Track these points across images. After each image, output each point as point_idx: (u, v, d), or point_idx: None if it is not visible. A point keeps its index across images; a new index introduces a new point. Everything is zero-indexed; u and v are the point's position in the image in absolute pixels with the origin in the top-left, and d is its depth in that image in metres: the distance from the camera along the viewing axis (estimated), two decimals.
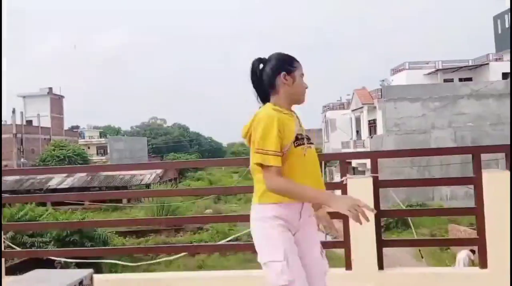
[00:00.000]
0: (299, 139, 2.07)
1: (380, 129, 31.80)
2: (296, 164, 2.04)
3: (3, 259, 3.09)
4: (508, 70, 32.79)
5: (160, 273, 5.34)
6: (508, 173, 2.85)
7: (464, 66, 36.87)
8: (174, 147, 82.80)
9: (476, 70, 36.41)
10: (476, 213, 2.91)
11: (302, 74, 2.17)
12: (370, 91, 35.16)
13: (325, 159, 3.28)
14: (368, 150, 31.51)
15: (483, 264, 2.87)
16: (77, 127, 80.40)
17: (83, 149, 60.22)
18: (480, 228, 2.88)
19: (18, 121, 48.33)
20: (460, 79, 36.04)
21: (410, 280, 2.92)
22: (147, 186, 39.01)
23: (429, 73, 37.11)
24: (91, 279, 2.47)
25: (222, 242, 17.56)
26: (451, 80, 36.14)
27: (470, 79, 35.91)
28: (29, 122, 51.98)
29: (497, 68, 34.29)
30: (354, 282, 2.95)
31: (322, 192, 2.05)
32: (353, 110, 37.09)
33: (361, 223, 1.82)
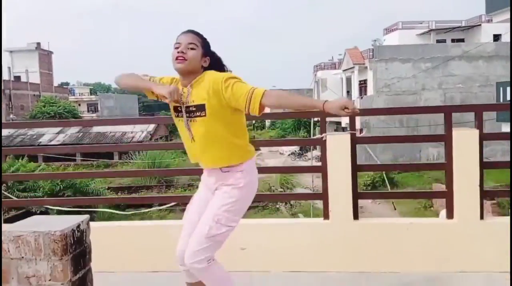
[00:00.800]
0: (176, 111, 2.31)
1: (370, 90, 31.90)
2: (180, 132, 2.38)
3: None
4: (499, 32, 32.62)
5: (155, 221, 5.60)
6: (477, 131, 3.05)
7: (457, 27, 36.69)
8: (166, 105, 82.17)
9: (469, 31, 36.26)
10: (446, 168, 3.13)
11: (177, 45, 2.22)
12: (362, 51, 34.98)
13: (308, 116, 3.49)
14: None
15: (450, 215, 3.12)
16: (67, 84, 79.40)
17: (74, 106, 59.82)
18: (449, 182, 3.11)
19: (6, 77, 47.59)
20: (453, 40, 35.93)
21: (382, 229, 3.17)
22: (139, 143, 39.20)
23: (422, 34, 36.87)
24: (88, 223, 2.67)
25: None
26: (444, 41, 36.01)
27: (462, 40, 35.81)
28: (17, 78, 51.17)
29: (489, 30, 34.11)
30: (331, 231, 3.20)
31: (152, 84, 2.31)
32: (344, 70, 37.02)
33: (174, 99, 2.13)
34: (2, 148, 3.62)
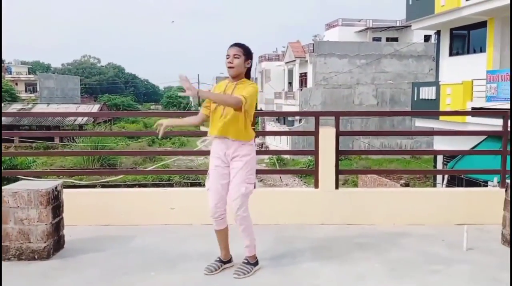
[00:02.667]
0: None
1: (310, 83, 33.76)
2: (211, 112, 3.31)
3: None
4: (430, 33, 35.28)
5: (107, 189, 6.71)
6: (334, 129, 4.50)
7: (392, 27, 39.22)
8: (109, 88, 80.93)
9: (402, 31, 38.78)
10: (315, 154, 4.56)
11: (227, 56, 3.22)
12: (303, 45, 36.73)
13: (321, 115, 4.68)
14: (298, 101, 33.65)
15: (316, 185, 4.57)
16: (3, 61, 75.88)
17: (11, 85, 57.63)
18: (316, 163, 4.55)
19: None
20: (388, 39, 38.40)
21: (351, 195, 4.73)
22: (80, 126, 39.04)
23: (360, 31, 39.16)
24: (61, 186, 3.84)
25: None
26: (379, 39, 38.39)
27: (396, 39, 38.40)
28: None
29: (421, 31, 36.76)
30: (319, 196, 4.62)
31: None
32: (286, 63, 38.62)
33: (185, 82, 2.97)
34: None
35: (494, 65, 13.96)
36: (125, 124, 48.52)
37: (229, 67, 3.24)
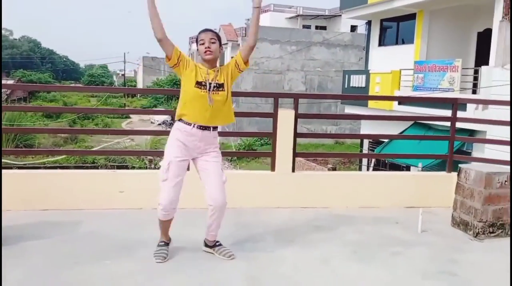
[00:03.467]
0: (199, 84, 2.97)
1: None
2: (190, 99, 3.00)
3: None
4: (356, 24, 36.51)
5: (45, 170, 6.15)
6: (293, 111, 4.42)
7: (321, 15, 40.15)
8: (23, 63, 75.21)
9: (331, 20, 39.88)
10: (272, 136, 4.47)
11: (201, 42, 3.02)
12: (235, 28, 36.47)
13: (280, 96, 4.49)
14: None
15: (272, 168, 4.49)
16: None
17: None
18: (273, 145, 4.46)
19: None
20: (317, 27, 39.29)
21: (308, 178, 4.72)
22: None
23: (290, 18, 39.65)
24: None
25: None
26: (309, 26, 39.17)
27: (325, 28, 39.40)
28: None
29: (349, 20, 37.92)
30: (276, 179, 4.50)
31: None
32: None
33: None
34: None
35: (421, 56, 14.73)
36: (42, 103, 45.47)
37: (207, 52, 3.03)
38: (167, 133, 3.27)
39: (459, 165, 3.99)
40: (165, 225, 3.17)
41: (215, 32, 3.15)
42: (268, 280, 2.90)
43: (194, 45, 42.50)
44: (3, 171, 4.33)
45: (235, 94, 3.54)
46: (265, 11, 41.08)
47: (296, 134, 4.46)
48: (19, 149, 18.60)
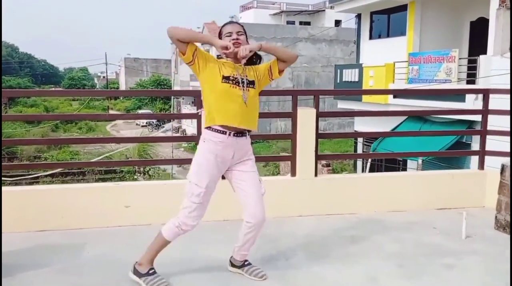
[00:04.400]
0: (227, 79, 2.56)
1: None
2: (218, 99, 2.57)
3: None
4: (340, 18, 36.32)
5: (42, 185, 5.63)
6: (314, 110, 4.01)
7: (305, 11, 39.87)
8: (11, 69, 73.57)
9: (315, 15, 39.66)
10: (292, 138, 4.05)
11: (228, 33, 2.63)
12: (219, 26, 35.91)
13: (300, 94, 4.02)
14: None
15: (293, 173, 4.08)
16: None
17: None
18: (293, 148, 4.05)
19: None
20: (301, 23, 38.99)
21: (335, 183, 4.25)
22: None
23: (274, 14, 39.27)
24: None
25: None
26: (293, 22, 38.86)
27: (309, 23, 39.12)
28: None
29: (332, 15, 37.79)
30: (297, 185, 4.06)
31: (207, 36, 2.79)
32: (202, 44, 37.45)
33: (235, 52, 2.51)
34: None
35: (414, 48, 14.47)
36: (23, 108, 44.29)
37: (236, 44, 2.59)
38: (151, 140, 2.82)
39: (502, 163, 3.63)
40: (165, 245, 2.74)
41: (242, 25, 2.75)
42: None
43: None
44: None
45: None
46: (248, 8, 40.66)
47: (318, 135, 4.05)
48: (16, 164, 17.80)
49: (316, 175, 4.10)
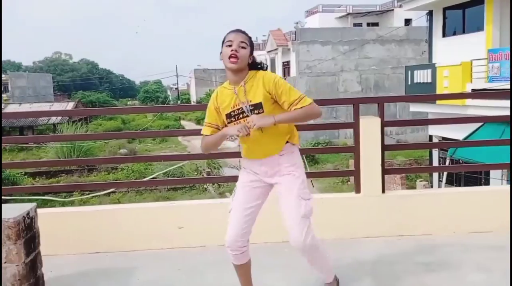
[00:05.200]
0: (230, 117, 2.40)
1: (293, 71, 32.92)
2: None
3: None
4: (411, 17, 34.80)
5: (95, 206, 5.73)
6: (379, 119, 3.62)
7: (372, 11, 38.66)
8: (83, 85, 78.62)
9: (383, 15, 38.34)
10: (354, 150, 3.68)
11: (229, 43, 2.34)
12: (285, 33, 35.81)
13: (361, 102, 3.73)
14: None
15: (357, 190, 3.69)
16: None
17: None
18: (356, 162, 3.67)
19: None
20: (368, 24, 37.84)
21: (407, 200, 3.82)
22: (54, 125, 37.34)
23: (340, 17, 38.46)
24: (35, 211, 2.87)
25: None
26: (360, 24, 37.81)
27: (377, 24, 37.86)
28: None
29: (402, 14, 36.27)
30: (363, 203, 3.69)
31: (219, 132, 2.45)
32: (268, 52, 37.68)
33: (249, 132, 2.25)
34: None
35: (494, 44, 13.32)
36: (102, 121, 46.90)
37: (232, 58, 2.32)
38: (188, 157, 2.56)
39: None
40: (240, 273, 2.52)
41: (248, 36, 2.43)
42: None
43: None
44: (48, 210, 3.86)
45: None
46: (313, 12, 40.19)
47: (384, 147, 3.65)
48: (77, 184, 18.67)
49: (383, 191, 3.68)
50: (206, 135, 2.49)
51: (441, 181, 14.28)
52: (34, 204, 2.86)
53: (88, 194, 17.72)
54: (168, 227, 3.60)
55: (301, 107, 2.32)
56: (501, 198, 3.78)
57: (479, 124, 12.58)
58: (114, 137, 33.67)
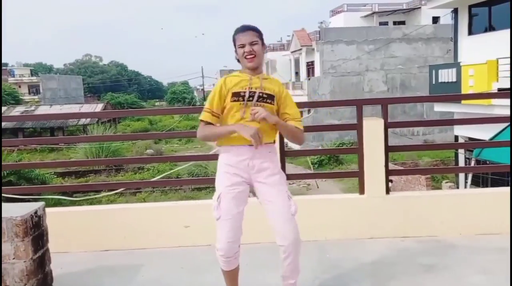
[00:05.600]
0: (238, 95, 2.42)
1: (317, 71, 32.74)
2: (229, 117, 2.44)
3: None
4: (438, 15, 34.08)
5: (104, 205, 5.91)
6: (382, 120, 3.62)
7: (398, 10, 38.08)
8: (112, 86, 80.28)
9: (410, 13, 37.70)
10: (358, 152, 3.69)
11: (240, 45, 2.44)
12: (309, 33, 35.67)
13: (365, 103, 3.76)
14: (306, 91, 32.64)
15: (361, 191, 3.70)
16: (5, 65, 75.34)
17: (14, 88, 57.11)
18: (360, 163, 3.68)
19: None
20: (395, 23, 37.27)
21: (410, 201, 3.82)
22: (84, 126, 38.31)
23: (366, 16, 38.03)
24: (44, 209, 3.01)
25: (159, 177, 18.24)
26: (386, 23, 37.29)
27: (403, 22, 37.24)
28: None
29: (429, 12, 35.55)
30: (366, 203, 3.70)
31: (229, 126, 2.43)
32: (292, 52, 37.60)
33: (258, 145, 2.29)
34: None
35: None
36: (130, 122, 47.80)
37: (250, 58, 2.43)
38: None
39: None
40: (230, 277, 2.54)
41: (258, 30, 2.50)
42: None
43: (269, 54, 42.40)
44: (60, 209, 4.01)
45: (311, 104, 2.84)
46: (338, 12, 39.89)
47: (388, 148, 3.64)
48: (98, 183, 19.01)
49: (388, 192, 3.68)
50: (207, 123, 2.48)
51: (467, 182, 13.98)
52: (42, 203, 2.99)
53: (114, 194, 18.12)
54: (174, 226, 3.70)
55: (297, 127, 2.47)
56: (507, 200, 3.72)
57: (506, 123, 12.27)
58: (140, 138, 34.29)
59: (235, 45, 2.50)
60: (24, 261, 2.74)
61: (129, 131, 40.39)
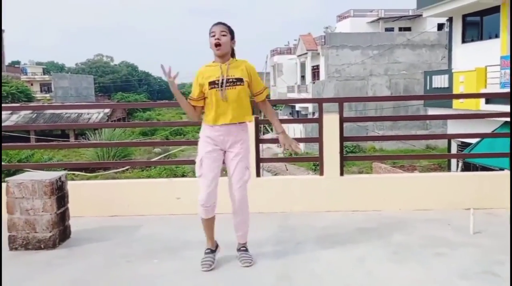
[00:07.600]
0: (213, 84, 3.08)
1: (322, 75, 33.51)
2: (210, 102, 3.15)
3: None
4: (443, 21, 34.65)
5: (113, 180, 6.77)
6: (338, 115, 4.46)
7: (404, 16, 38.70)
8: (122, 86, 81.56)
9: (415, 20, 38.23)
10: (319, 141, 4.53)
11: (212, 34, 3.07)
12: (315, 37, 36.47)
13: (325, 101, 4.62)
14: (310, 94, 33.45)
15: (321, 172, 4.55)
16: (18, 63, 76.99)
17: (27, 86, 58.46)
18: (320, 150, 4.52)
19: None
20: (400, 29, 37.89)
21: (359, 182, 4.69)
22: (95, 129, 39.18)
23: (372, 22, 38.73)
24: (66, 177, 3.89)
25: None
26: (392, 29, 37.91)
27: (409, 29, 37.87)
28: None
29: (434, 19, 36.13)
30: (324, 183, 4.56)
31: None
32: (298, 56, 38.38)
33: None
34: None
35: (508, 51, 13.68)
36: (140, 122, 48.77)
37: (217, 45, 3.07)
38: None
39: None
40: (207, 225, 3.27)
41: (227, 25, 3.19)
42: (299, 280, 2.98)
43: (275, 58, 43.19)
44: (78, 182, 4.88)
45: (281, 102, 3.68)
46: (344, 17, 40.63)
47: (343, 138, 4.48)
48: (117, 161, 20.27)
49: (342, 174, 4.52)
50: (197, 106, 3.24)
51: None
52: (65, 172, 3.88)
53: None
54: (168, 198, 4.56)
55: (264, 100, 3.31)
56: (441, 182, 4.55)
57: (496, 126, 13.00)
58: (147, 145, 35.20)
59: (209, 36, 3.17)
60: (50, 214, 3.62)
61: (138, 132, 41.39)
